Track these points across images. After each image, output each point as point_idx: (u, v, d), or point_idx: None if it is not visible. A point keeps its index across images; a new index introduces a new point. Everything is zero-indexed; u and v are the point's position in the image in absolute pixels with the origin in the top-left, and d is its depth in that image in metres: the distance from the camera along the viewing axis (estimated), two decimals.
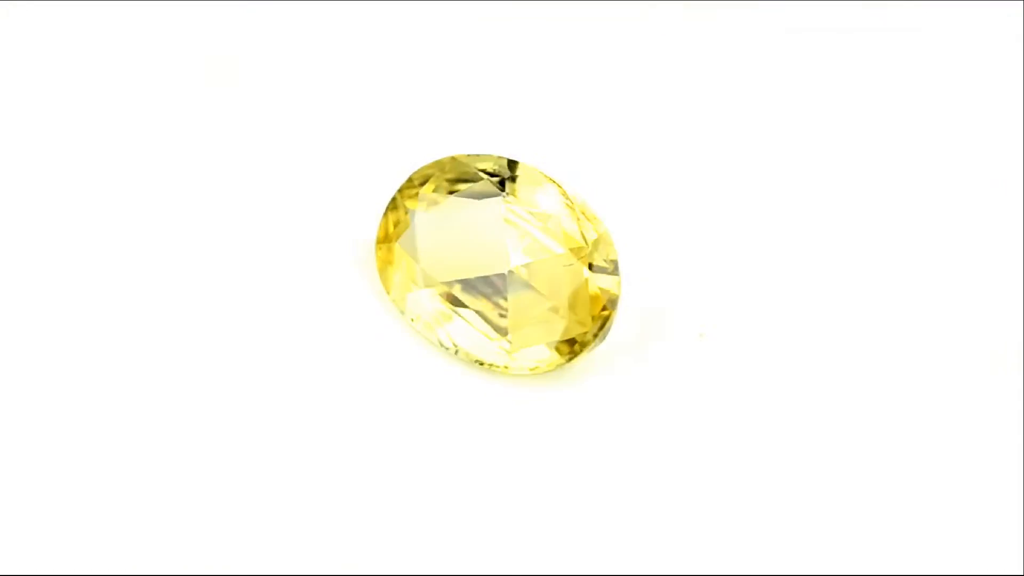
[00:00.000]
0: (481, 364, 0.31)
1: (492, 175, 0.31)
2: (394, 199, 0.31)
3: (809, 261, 0.33)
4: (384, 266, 0.32)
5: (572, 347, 0.30)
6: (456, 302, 0.31)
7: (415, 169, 0.31)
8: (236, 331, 0.31)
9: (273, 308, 0.32)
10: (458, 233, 0.31)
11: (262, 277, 0.32)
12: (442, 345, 0.31)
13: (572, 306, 0.30)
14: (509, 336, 0.30)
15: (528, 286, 0.30)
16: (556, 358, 0.30)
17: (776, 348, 0.31)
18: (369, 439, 0.30)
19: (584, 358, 0.31)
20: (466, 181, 0.31)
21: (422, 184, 0.31)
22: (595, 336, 0.30)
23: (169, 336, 0.31)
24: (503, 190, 0.30)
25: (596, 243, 0.30)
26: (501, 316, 0.30)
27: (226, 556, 0.29)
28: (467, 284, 0.31)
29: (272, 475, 0.29)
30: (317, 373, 0.31)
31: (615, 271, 0.30)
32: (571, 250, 0.30)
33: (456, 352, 0.31)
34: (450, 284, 0.31)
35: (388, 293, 0.32)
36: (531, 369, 0.31)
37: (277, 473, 0.30)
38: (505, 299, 0.30)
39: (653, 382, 0.31)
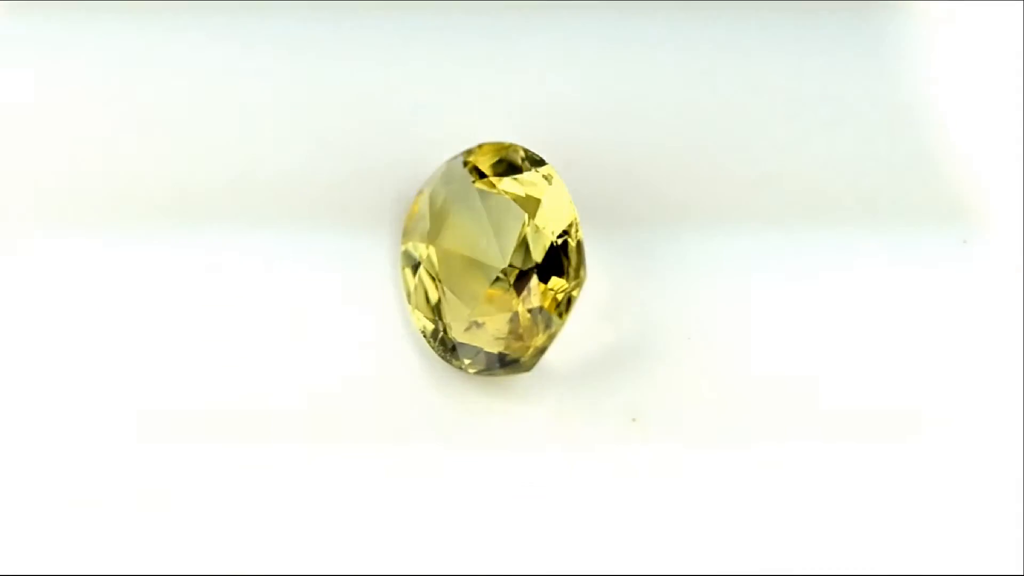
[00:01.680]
0: (423, 335, 0.32)
1: (536, 169, 0.31)
2: (455, 157, 0.32)
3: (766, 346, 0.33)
4: (412, 211, 0.32)
5: (501, 364, 0.31)
6: (442, 269, 0.31)
7: (489, 140, 0.32)
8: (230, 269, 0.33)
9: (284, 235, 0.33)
10: (478, 212, 0.31)
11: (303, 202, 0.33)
12: (408, 302, 0.32)
13: (526, 327, 0.31)
14: (459, 325, 0.31)
15: (508, 290, 0.31)
16: (483, 366, 0.31)
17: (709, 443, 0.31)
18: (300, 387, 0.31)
19: (503, 380, 0.31)
20: (514, 171, 0.31)
21: (482, 155, 0.32)
22: (530, 362, 0.31)
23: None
24: (535, 198, 0.31)
25: (575, 284, 0.31)
26: (469, 304, 0.31)
27: (185, 535, 0.30)
28: (459, 259, 0.31)
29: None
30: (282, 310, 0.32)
31: (567, 314, 0.31)
32: (557, 279, 0.31)
33: (413, 313, 0.32)
34: (444, 251, 0.31)
35: (402, 235, 0.32)
36: (456, 363, 0.31)
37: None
38: (479, 291, 0.31)
39: (567, 425, 0.31)
